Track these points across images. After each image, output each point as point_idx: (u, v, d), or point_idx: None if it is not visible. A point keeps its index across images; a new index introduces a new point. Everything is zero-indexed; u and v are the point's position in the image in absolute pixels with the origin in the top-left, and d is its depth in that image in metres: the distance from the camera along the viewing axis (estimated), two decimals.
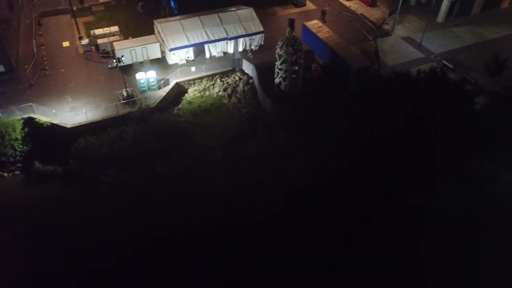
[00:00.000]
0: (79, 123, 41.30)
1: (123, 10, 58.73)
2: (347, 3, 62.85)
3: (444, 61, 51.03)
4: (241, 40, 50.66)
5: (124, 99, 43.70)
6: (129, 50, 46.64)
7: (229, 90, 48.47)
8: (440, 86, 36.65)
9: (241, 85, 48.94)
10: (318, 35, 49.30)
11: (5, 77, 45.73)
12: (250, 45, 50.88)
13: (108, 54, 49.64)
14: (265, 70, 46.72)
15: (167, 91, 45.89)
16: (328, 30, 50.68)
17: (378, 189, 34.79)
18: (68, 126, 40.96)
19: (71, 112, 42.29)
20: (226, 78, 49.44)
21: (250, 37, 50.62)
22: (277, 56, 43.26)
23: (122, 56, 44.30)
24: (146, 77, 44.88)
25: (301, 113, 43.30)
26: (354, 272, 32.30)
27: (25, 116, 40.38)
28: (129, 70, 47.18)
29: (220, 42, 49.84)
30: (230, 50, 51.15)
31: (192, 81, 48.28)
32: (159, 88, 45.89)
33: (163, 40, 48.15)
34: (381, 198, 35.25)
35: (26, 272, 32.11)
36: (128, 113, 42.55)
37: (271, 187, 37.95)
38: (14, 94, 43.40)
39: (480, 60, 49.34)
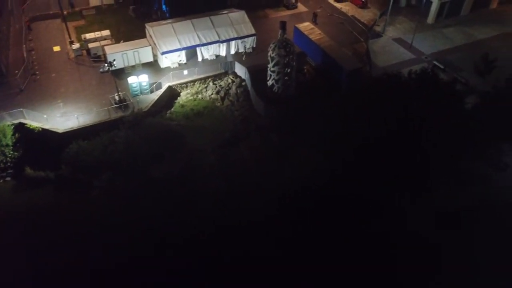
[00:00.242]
0: (71, 128, 41.00)
1: (114, 14, 58.47)
2: (338, 5, 63.24)
3: (434, 62, 51.51)
4: (233, 43, 50.71)
5: (116, 103, 43.47)
6: (120, 54, 46.44)
7: (222, 93, 48.45)
8: (431, 87, 36.97)
9: (233, 87, 48.94)
10: (310, 37, 49.52)
11: None
12: (244, 47, 50.96)
13: (99, 58, 49.37)
14: (257, 72, 46.79)
15: (160, 94, 45.74)
16: (319, 32, 50.92)
17: (371, 190, 34.95)
18: (60, 131, 40.63)
19: (62, 117, 41.96)
20: (219, 81, 49.42)
21: (242, 39, 50.70)
22: (269, 58, 43.36)
23: (114, 60, 44.10)
24: (138, 81, 44.71)
25: (293, 115, 43.40)
26: (352, 272, 32.43)
27: (16, 121, 39.97)
28: (121, 74, 46.95)
29: (212, 45, 49.85)
30: (223, 53, 51.16)
31: (185, 84, 48.19)
32: (152, 91, 45.74)
33: (155, 44, 48.02)
34: (375, 199, 35.39)
35: (26, 272, 32.12)
36: (120, 117, 42.34)
37: (265, 189, 37.99)
38: (4, 99, 42.93)
39: (470, 60, 49.90)
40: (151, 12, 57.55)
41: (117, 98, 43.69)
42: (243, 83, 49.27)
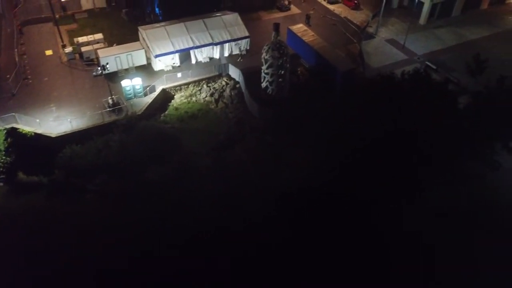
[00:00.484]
0: (64, 132, 40.68)
1: (106, 17, 58.23)
2: (331, 7, 63.58)
3: (427, 62, 51.93)
4: (227, 45, 50.73)
5: (109, 107, 43.24)
6: (114, 57, 46.22)
7: (216, 95, 48.41)
8: (424, 87, 37.27)
9: (228, 90, 48.92)
10: (303, 39, 49.69)
11: None
12: (240, 49, 50.99)
13: (92, 61, 49.09)
14: (251, 74, 46.84)
15: (154, 97, 45.59)
16: (313, 33, 51.13)
17: (367, 191, 35.11)
18: (53, 135, 40.31)
19: (55, 121, 41.63)
20: (213, 83, 49.36)
21: (236, 42, 50.73)
22: (263, 60, 43.43)
23: (107, 63, 43.86)
24: (131, 84, 44.51)
25: (288, 117, 43.48)
26: (350, 272, 32.60)
27: (8, 126, 39.54)
28: (114, 77, 46.72)
29: (205, 48, 49.81)
30: (216, 55, 51.15)
31: (179, 87, 48.07)
32: (145, 95, 45.56)
33: (148, 47, 47.88)
34: (371, 200, 35.52)
35: (25, 273, 32.11)
36: (114, 121, 42.10)
37: (263, 191, 38.00)
38: None
39: (461, 60, 50.34)
40: (144, 15, 57.41)
41: (110, 101, 43.46)
42: (237, 85, 49.28)
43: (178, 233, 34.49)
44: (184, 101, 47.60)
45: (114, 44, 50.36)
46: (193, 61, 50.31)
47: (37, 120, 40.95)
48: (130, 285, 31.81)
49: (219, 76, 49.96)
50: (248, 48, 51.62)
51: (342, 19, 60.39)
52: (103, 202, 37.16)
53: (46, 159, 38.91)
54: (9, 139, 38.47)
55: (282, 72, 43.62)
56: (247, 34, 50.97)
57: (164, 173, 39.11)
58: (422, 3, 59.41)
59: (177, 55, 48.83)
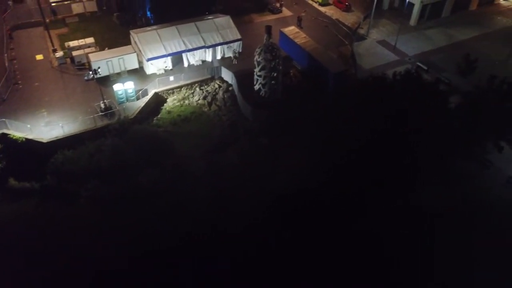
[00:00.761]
0: (56, 137, 40.30)
1: (98, 21, 57.92)
2: (322, 9, 63.91)
3: (418, 63, 52.36)
4: (219, 48, 50.72)
5: (102, 111, 42.94)
6: (105, 62, 45.97)
7: (209, 98, 48.32)
8: (416, 87, 37.57)
9: (220, 92, 48.87)
10: (295, 41, 49.84)
11: None
12: (234, 52, 51.09)
13: (83, 66, 48.77)
14: (244, 77, 46.86)
15: (146, 101, 45.38)
16: (305, 35, 51.31)
17: (363, 191, 35.26)
18: (44, 141, 39.91)
19: (47, 127, 41.23)
20: (206, 86, 49.29)
21: (228, 44, 50.76)
22: (255, 63, 43.47)
23: (99, 67, 43.63)
24: (124, 88, 44.27)
25: (282, 119, 43.54)
26: (348, 272, 32.71)
27: None
28: (106, 81, 46.43)
29: (198, 51, 49.76)
30: (209, 58, 51.11)
31: (171, 91, 47.93)
32: (138, 98, 45.34)
33: (140, 50, 47.69)
34: (365, 200, 35.66)
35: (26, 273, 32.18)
36: (106, 125, 41.83)
37: (259, 192, 37.92)
38: None
39: (452, 61, 50.87)
40: (135, 18, 57.20)
41: (102, 106, 43.17)
42: (230, 88, 49.26)
43: (175, 235, 34.39)
44: (177, 104, 47.45)
45: (106, 48, 50.08)
46: (186, 64, 50.20)
47: (28, 126, 40.53)
48: (130, 286, 31.81)
49: (212, 79, 49.92)
50: (240, 50, 51.65)
51: (334, 21, 60.74)
52: (95, 208, 36.84)
53: (37, 165, 38.57)
54: None
55: (275, 74, 43.70)
56: (239, 36, 51.02)
57: (157, 177, 38.90)
58: (413, 5, 59.97)
59: (169, 58, 48.71)
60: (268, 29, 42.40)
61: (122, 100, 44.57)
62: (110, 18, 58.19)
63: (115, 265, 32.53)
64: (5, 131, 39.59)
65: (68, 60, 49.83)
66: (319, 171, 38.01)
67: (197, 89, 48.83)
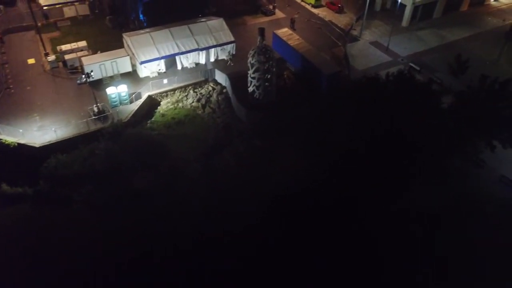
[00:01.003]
0: (49, 141, 39.99)
1: (90, 25, 57.65)
2: (315, 11, 64.20)
3: (410, 64, 52.72)
4: (212, 51, 50.71)
5: (95, 115, 42.69)
6: (98, 65, 45.72)
7: (203, 101, 48.23)
8: (409, 88, 37.81)
9: (214, 95, 48.81)
10: (289, 43, 49.94)
11: None
12: (229, 53, 50.98)
13: (76, 69, 48.46)
14: (238, 79, 46.86)
15: (140, 104, 45.20)
16: (298, 37, 51.44)
17: (359, 191, 35.36)
18: (37, 145, 39.58)
19: (39, 131, 40.89)
20: (199, 89, 49.20)
21: (222, 47, 50.73)
22: (249, 65, 43.49)
23: (91, 71, 43.38)
24: (117, 91, 44.05)
25: (276, 121, 43.57)
26: (346, 273, 32.77)
27: None
28: (99, 85, 46.17)
29: (191, 53, 49.71)
30: (202, 60, 51.06)
31: (165, 93, 47.78)
32: (131, 102, 45.14)
33: (133, 54, 47.52)
34: (364, 200, 35.78)
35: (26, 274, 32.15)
36: (100, 129, 41.59)
37: (254, 194, 37.87)
38: None
39: (444, 61, 51.30)
40: (128, 21, 57.04)
41: (96, 109, 42.91)
42: (224, 90, 49.22)
43: (171, 238, 34.31)
44: (171, 107, 47.30)
45: (98, 52, 49.84)
46: (179, 67, 50.11)
47: (20, 130, 40.17)
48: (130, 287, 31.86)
49: (206, 81, 49.85)
50: (234, 53, 51.66)
51: (327, 23, 61.02)
52: (91, 211, 36.57)
53: (30, 170, 38.17)
54: None
55: (269, 76, 43.74)
56: (232, 39, 51.04)
57: (152, 180, 38.74)
58: (404, 6, 60.43)
59: (162, 61, 48.58)
60: (262, 31, 42.48)
61: (115, 103, 44.33)
62: (102, 22, 57.94)
63: (113, 267, 32.42)
64: None
65: (61, 63, 49.52)
66: (315, 172, 38.07)
67: (191, 91, 48.73)
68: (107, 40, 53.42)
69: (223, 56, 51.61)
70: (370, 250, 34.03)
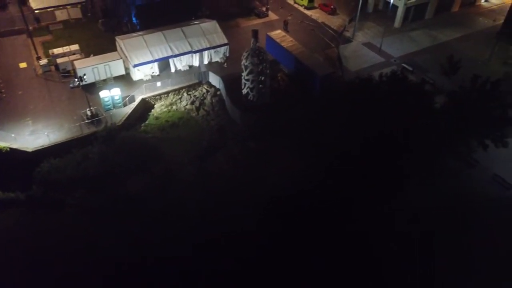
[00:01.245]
0: (41, 146, 39.66)
1: (83, 28, 57.34)
2: (308, 13, 64.43)
3: (403, 64, 53.09)
4: (206, 53, 50.66)
5: (88, 119, 42.41)
6: (91, 68, 45.48)
7: (197, 103, 48.13)
8: (402, 88, 38.04)
9: (208, 97, 48.74)
10: (282, 44, 50.08)
11: None
12: (224, 54, 50.99)
13: (69, 73, 48.14)
14: (232, 81, 46.85)
15: (133, 108, 45.00)
16: (291, 39, 51.60)
17: (354, 192, 35.45)
18: (29, 150, 39.22)
19: (32, 136, 40.55)
20: (193, 91, 49.11)
21: (215, 49, 50.72)
22: (243, 67, 43.51)
23: (84, 74, 43.13)
24: (110, 95, 43.83)
25: (270, 122, 43.60)
26: (344, 274, 32.85)
27: None
28: (92, 88, 45.92)
29: (185, 56, 49.61)
30: (196, 63, 50.99)
31: (158, 96, 47.62)
32: (125, 105, 44.92)
33: (126, 57, 47.32)
34: (359, 200, 35.88)
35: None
36: (93, 132, 41.33)
37: (250, 196, 37.84)
38: None
39: (436, 61, 51.69)
40: (121, 24, 56.83)
41: (89, 113, 42.64)
42: (218, 93, 49.18)
43: (166, 241, 34.16)
44: (165, 110, 47.15)
45: (91, 55, 49.57)
46: (173, 70, 49.99)
47: (13, 135, 39.82)
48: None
49: (199, 83, 49.78)
50: (227, 55, 51.66)
51: (320, 24, 61.27)
52: (84, 215, 36.31)
53: (23, 175, 37.77)
54: None
55: (262, 78, 43.78)
56: (226, 41, 51.05)
57: (146, 183, 38.56)
58: (397, 7, 60.89)
59: (156, 64, 48.44)
60: (255, 33, 42.53)
61: (108, 107, 44.09)
62: (95, 25, 57.68)
63: (109, 270, 32.28)
64: None
65: (53, 67, 49.16)
66: (310, 174, 38.11)
67: (185, 94, 48.62)
68: (100, 43, 53.17)
69: (216, 58, 51.59)
70: (367, 250, 34.11)
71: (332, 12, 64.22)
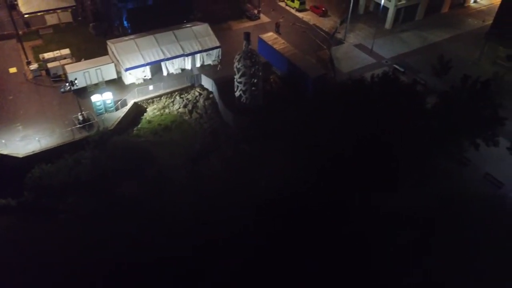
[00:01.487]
0: (32, 151, 39.22)
1: (73, 32, 56.93)
2: (299, 15, 64.68)
3: (395, 65, 53.48)
4: (198, 56, 50.58)
5: (80, 123, 42.08)
6: (82, 73, 45.16)
7: (190, 106, 47.99)
8: (394, 89, 38.28)
9: (201, 100, 48.63)
10: (274, 47, 50.18)
11: None
12: (218, 57, 50.95)
13: (60, 78, 47.76)
14: (224, 84, 46.81)
15: (125, 112, 44.73)
16: (283, 41, 51.73)
17: (346, 195, 35.51)
18: (20, 155, 38.77)
19: (22, 141, 40.09)
20: (186, 95, 48.97)
21: (207, 52, 50.67)
22: (235, 69, 43.50)
23: (75, 79, 42.82)
24: (102, 99, 43.54)
25: (263, 125, 43.61)
26: (336, 275, 32.85)
27: None
28: (83, 93, 45.58)
29: (177, 59, 49.49)
30: (188, 66, 50.88)
31: (151, 100, 47.40)
32: (117, 109, 44.64)
33: (118, 60, 47.06)
34: (353, 202, 35.93)
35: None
36: (85, 137, 41.00)
37: (244, 198, 37.76)
38: None
39: (427, 62, 52.14)
40: (112, 28, 56.54)
41: (80, 117, 42.31)
42: (211, 95, 49.09)
43: (160, 245, 33.98)
44: (157, 113, 46.94)
45: (82, 59, 49.22)
46: (165, 73, 49.83)
47: (3, 141, 39.41)
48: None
49: (192, 87, 49.66)
50: (220, 58, 51.65)
51: (311, 26, 61.52)
52: (77, 220, 36.02)
53: (14, 181, 37.32)
54: None
55: (255, 80, 43.81)
56: (218, 44, 51.02)
57: (140, 187, 38.34)
58: (387, 8, 61.39)
59: (148, 67, 48.25)
60: (247, 36, 42.55)
61: (100, 111, 43.79)
62: (86, 29, 57.32)
63: (107, 272, 32.14)
64: None
65: (44, 72, 48.72)
66: (303, 176, 38.11)
67: (177, 97, 48.45)
68: (91, 47, 52.82)
69: (209, 61, 51.53)
70: (362, 253, 34.14)
71: (324, 14, 64.55)
